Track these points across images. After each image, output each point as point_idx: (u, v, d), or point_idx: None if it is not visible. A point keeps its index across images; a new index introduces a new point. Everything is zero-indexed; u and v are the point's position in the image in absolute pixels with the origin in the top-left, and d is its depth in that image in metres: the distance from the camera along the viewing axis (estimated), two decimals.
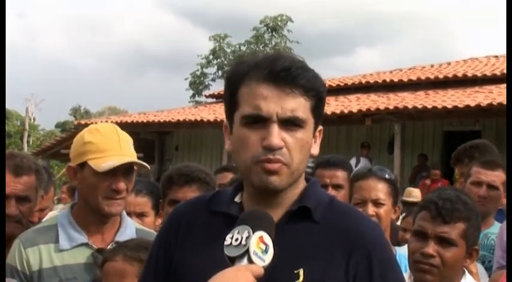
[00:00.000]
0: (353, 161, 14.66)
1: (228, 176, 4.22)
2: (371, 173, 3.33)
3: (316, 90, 1.74)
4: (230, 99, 1.78)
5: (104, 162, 2.55)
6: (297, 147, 1.71)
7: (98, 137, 2.62)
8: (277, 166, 1.70)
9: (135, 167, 2.69)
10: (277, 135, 1.69)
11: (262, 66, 1.72)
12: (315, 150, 1.81)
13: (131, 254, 2.44)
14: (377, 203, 3.25)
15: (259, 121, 1.70)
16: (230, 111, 1.79)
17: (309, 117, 1.73)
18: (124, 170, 2.60)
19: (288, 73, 1.70)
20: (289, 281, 1.68)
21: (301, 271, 1.68)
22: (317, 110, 1.76)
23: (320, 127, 1.82)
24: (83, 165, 2.60)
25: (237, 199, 1.83)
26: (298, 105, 1.71)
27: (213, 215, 1.82)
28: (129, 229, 2.74)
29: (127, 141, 2.66)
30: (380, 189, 3.27)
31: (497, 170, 3.90)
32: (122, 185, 2.58)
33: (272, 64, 1.71)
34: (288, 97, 1.70)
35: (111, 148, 2.59)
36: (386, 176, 3.33)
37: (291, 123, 1.70)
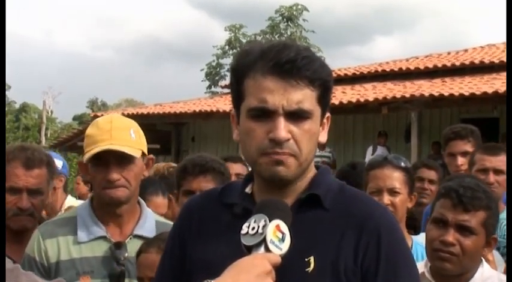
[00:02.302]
0: (370, 150, 14.61)
1: None
2: (386, 162, 3.29)
3: (322, 80, 1.73)
4: (236, 89, 1.78)
5: (89, 154, 2.55)
6: (304, 139, 1.71)
7: (94, 130, 2.62)
8: (285, 157, 1.70)
9: (137, 154, 2.63)
10: (283, 127, 1.68)
11: (268, 57, 1.71)
12: (323, 137, 1.80)
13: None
14: (392, 192, 3.21)
15: (265, 114, 1.70)
16: (237, 101, 1.79)
17: (315, 107, 1.73)
18: (116, 159, 2.56)
19: (294, 65, 1.68)
20: (300, 268, 1.68)
21: (311, 258, 1.68)
22: (324, 99, 1.75)
23: (328, 114, 1.81)
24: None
25: (247, 190, 1.84)
26: (304, 96, 1.70)
27: (224, 207, 1.82)
28: (149, 222, 2.72)
29: (122, 129, 2.61)
30: (396, 178, 3.23)
31: (501, 154, 3.91)
32: (113, 176, 2.55)
33: (277, 55, 1.70)
34: (293, 89, 1.69)
35: (102, 139, 2.57)
36: (402, 164, 3.29)
37: (297, 116, 1.70)
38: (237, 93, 1.77)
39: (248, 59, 1.75)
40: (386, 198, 3.18)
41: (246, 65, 1.74)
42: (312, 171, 1.82)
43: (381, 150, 13.79)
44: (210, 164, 3.16)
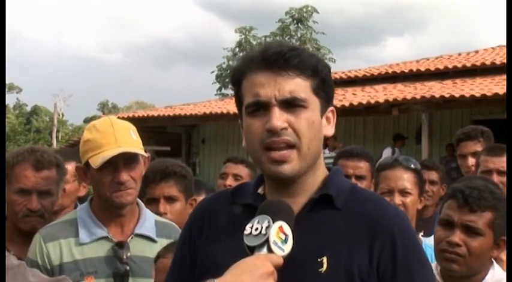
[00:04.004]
0: (388, 151, 14.46)
1: None
2: (397, 163, 3.33)
3: (314, 69, 1.74)
4: (236, 95, 1.82)
5: (99, 158, 2.56)
6: (302, 127, 1.71)
7: (95, 134, 2.63)
8: (285, 153, 1.71)
9: (146, 154, 2.69)
10: (278, 116, 1.70)
11: (257, 56, 1.75)
12: (329, 131, 1.81)
13: None
14: (404, 193, 3.25)
15: (261, 108, 1.73)
16: (239, 106, 1.82)
17: (310, 97, 1.74)
18: (124, 161, 2.60)
19: (280, 56, 1.72)
20: (313, 269, 1.68)
21: (324, 259, 1.68)
22: (321, 90, 1.77)
23: (331, 107, 1.82)
24: (88, 163, 2.62)
25: (259, 191, 1.84)
26: (296, 86, 1.72)
27: (236, 207, 1.83)
28: (148, 221, 2.76)
29: (124, 131, 2.65)
30: (406, 179, 3.28)
31: (504, 155, 3.90)
32: (123, 177, 2.59)
33: (264, 52, 1.75)
34: (284, 79, 1.71)
35: (107, 142, 2.59)
36: (412, 166, 3.33)
37: (292, 104, 1.71)
38: (238, 98, 1.81)
39: (241, 65, 1.80)
40: (398, 199, 3.22)
41: (240, 70, 1.79)
42: (322, 171, 1.83)
43: (398, 153, 13.69)
44: (171, 169, 3.17)
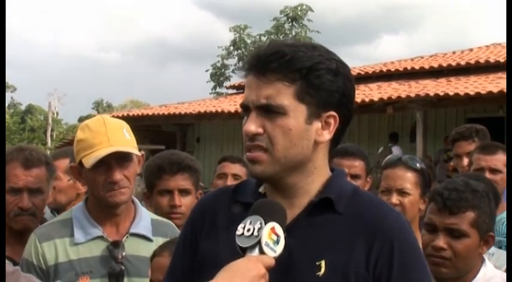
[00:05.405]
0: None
1: None
2: (400, 162, 3.29)
3: (298, 73, 1.68)
4: None
5: (91, 158, 2.55)
6: (277, 134, 1.69)
7: (87, 133, 2.62)
8: (256, 155, 1.71)
9: (139, 153, 2.68)
10: (253, 121, 1.69)
11: (249, 55, 1.78)
12: (323, 137, 1.73)
13: None
14: (402, 192, 3.20)
15: (247, 110, 1.73)
16: None
17: (292, 103, 1.68)
18: (117, 160, 2.58)
19: (259, 60, 1.71)
20: (310, 272, 1.67)
21: (322, 262, 1.67)
22: (308, 94, 1.69)
23: (330, 113, 1.73)
24: (82, 163, 2.61)
25: (261, 190, 1.83)
26: (275, 91, 1.68)
27: (237, 205, 1.82)
28: (144, 220, 2.74)
29: (117, 130, 2.63)
30: (407, 179, 3.22)
31: (497, 153, 3.90)
32: (116, 176, 2.57)
33: (253, 52, 1.76)
34: (263, 84, 1.69)
35: (100, 141, 2.57)
36: (417, 165, 3.27)
37: (269, 111, 1.69)
38: None
39: (243, 64, 1.79)
40: (395, 198, 3.18)
41: (242, 70, 1.78)
42: (323, 173, 1.80)
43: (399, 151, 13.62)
44: (186, 162, 3.18)
